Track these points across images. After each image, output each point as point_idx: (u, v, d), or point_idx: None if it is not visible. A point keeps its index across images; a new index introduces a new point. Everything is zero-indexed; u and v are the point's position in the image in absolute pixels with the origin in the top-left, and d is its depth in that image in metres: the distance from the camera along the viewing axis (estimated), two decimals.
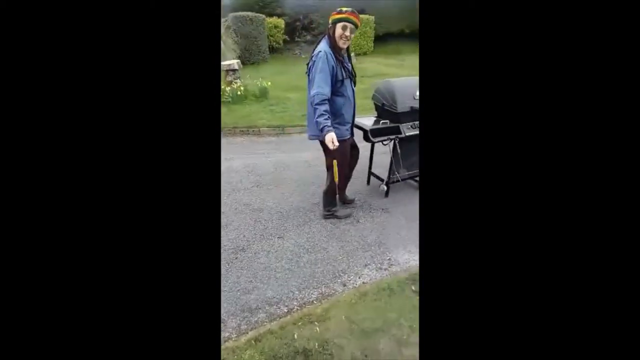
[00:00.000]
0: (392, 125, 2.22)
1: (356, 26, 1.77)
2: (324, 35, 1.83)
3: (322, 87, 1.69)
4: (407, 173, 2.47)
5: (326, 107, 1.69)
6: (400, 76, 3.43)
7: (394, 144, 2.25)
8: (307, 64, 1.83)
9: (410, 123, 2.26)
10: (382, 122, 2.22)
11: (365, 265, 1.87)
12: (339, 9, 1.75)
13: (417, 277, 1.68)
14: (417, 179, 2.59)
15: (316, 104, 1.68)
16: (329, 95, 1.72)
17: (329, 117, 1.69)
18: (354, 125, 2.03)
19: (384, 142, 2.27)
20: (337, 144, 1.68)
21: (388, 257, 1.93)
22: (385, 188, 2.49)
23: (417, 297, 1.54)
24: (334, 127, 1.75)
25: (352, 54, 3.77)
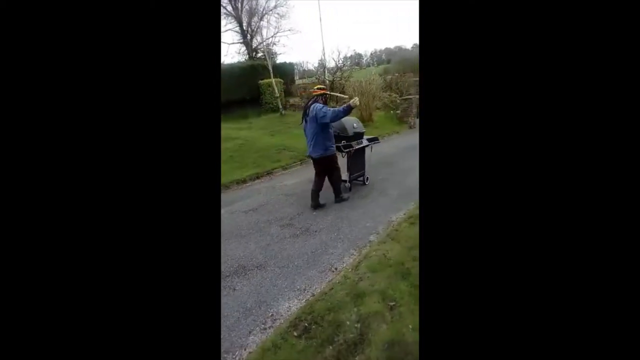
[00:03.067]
0: (347, 143, 3.73)
1: (326, 93, 3.57)
2: (312, 100, 3.35)
3: (326, 111, 3.11)
4: (356, 174, 3.98)
5: (330, 111, 3.11)
6: (253, 137, 4.37)
7: (349, 154, 3.75)
8: (303, 114, 3.40)
9: (356, 142, 3.82)
10: (342, 142, 3.69)
11: (250, 333, 1.80)
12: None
13: (297, 321, 1.75)
14: (360, 178, 4.09)
15: (328, 113, 3.09)
16: (330, 114, 3.10)
17: (327, 139, 3.29)
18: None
19: (343, 155, 3.74)
20: (357, 103, 3.17)
21: (270, 314, 1.93)
22: (349, 184, 3.93)
23: (301, 341, 1.60)
24: (329, 147, 3.31)
25: None
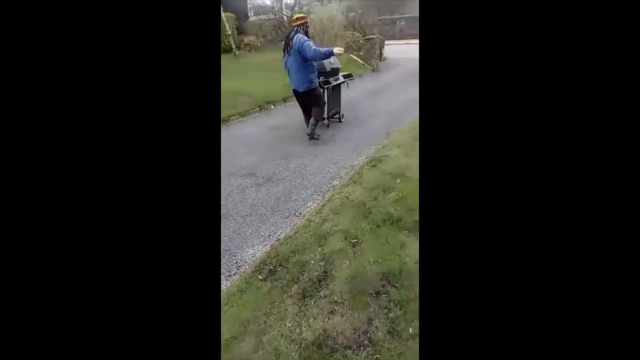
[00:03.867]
0: (325, 79, 3.72)
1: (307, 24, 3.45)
2: (293, 31, 3.25)
3: (312, 44, 3.11)
4: (332, 111, 4.03)
5: (316, 49, 3.09)
6: None
7: (326, 91, 3.72)
8: (284, 47, 3.37)
9: (333, 77, 3.85)
10: (321, 79, 3.62)
11: None
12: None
13: (262, 265, 1.76)
14: (337, 116, 4.16)
15: (317, 50, 3.09)
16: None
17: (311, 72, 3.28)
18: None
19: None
20: (341, 50, 3.24)
21: (235, 262, 1.92)
22: (327, 122, 3.98)
23: (266, 283, 1.63)
24: (314, 80, 3.34)
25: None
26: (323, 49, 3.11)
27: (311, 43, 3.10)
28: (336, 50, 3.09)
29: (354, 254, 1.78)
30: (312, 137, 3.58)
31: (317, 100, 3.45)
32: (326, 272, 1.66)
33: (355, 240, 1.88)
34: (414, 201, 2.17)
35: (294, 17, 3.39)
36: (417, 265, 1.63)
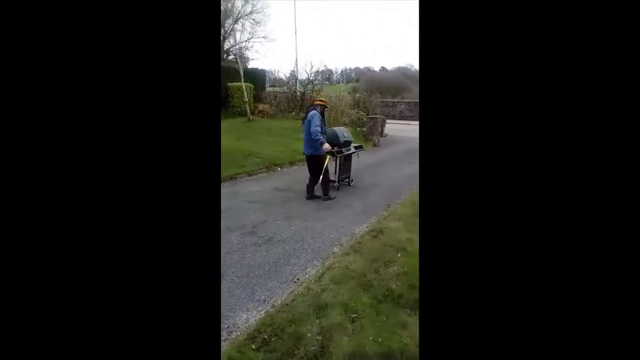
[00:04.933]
0: (339, 149, 4.27)
1: (326, 107, 4.13)
2: (313, 107, 3.88)
3: (318, 127, 3.63)
4: (343, 176, 4.58)
5: (321, 135, 3.65)
6: None
7: (339, 159, 4.36)
8: (303, 118, 3.98)
9: (345, 148, 4.41)
10: (335, 149, 4.18)
11: None
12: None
13: (256, 333, 1.67)
14: (347, 180, 4.69)
15: (317, 133, 3.62)
16: (321, 131, 3.65)
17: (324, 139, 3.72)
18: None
19: (334, 159, 4.34)
20: (330, 148, 3.85)
21: (226, 326, 1.82)
22: (338, 185, 4.48)
23: (259, 355, 1.52)
24: (319, 149, 3.75)
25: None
26: (319, 137, 3.67)
27: (318, 123, 3.69)
28: (325, 146, 3.72)
29: (352, 330, 1.70)
30: (327, 198, 4.03)
31: (318, 166, 3.88)
32: (323, 348, 1.57)
33: (355, 315, 1.81)
34: (415, 278, 2.15)
35: (318, 98, 4.35)
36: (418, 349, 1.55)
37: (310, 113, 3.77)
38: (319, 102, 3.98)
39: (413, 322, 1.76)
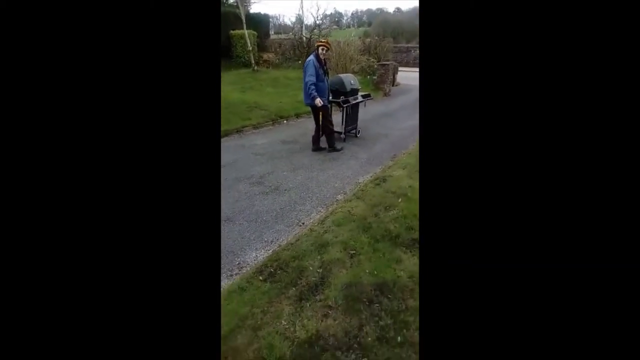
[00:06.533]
0: (345, 98, 4.16)
1: (328, 48, 3.75)
2: (312, 52, 3.74)
3: (311, 77, 3.52)
4: (350, 127, 4.45)
5: (314, 86, 3.51)
6: (223, 91, 4.60)
7: (345, 109, 4.20)
8: (304, 65, 3.70)
9: (352, 97, 4.27)
10: (341, 98, 4.14)
11: None
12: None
13: (264, 267, 1.86)
14: (353, 131, 4.53)
15: (309, 85, 3.51)
16: (315, 81, 3.54)
17: (316, 91, 3.53)
18: (329, 100, 3.94)
19: (340, 109, 4.34)
20: (322, 103, 3.59)
21: (237, 262, 2.01)
22: (344, 136, 4.34)
23: (266, 284, 1.72)
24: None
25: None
26: (311, 90, 3.50)
27: (312, 72, 3.50)
28: (316, 101, 3.54)
29: (351, 264, 1.86)
30: (332, 150, 3.95)
31: (323, 115, 3.81)
32: (323, 279, 1.74)
33: (354, 252, 1.97)
34: (414, 220, 2.26)
35: (320, 39, 3.85)
36: (411, 280, 1.71)
37: (307, 60, 3.59)
38: (318, 44, 3.70)
39: (407, 258, 1.90)
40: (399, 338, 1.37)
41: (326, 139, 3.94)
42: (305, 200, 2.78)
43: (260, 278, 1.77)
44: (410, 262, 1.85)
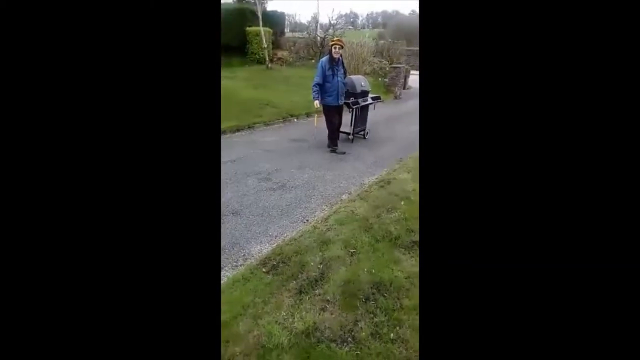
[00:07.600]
0: (355, 100, 4.20)
1: (342, 46, 3.82)
2: (327, 52, 4.14)
3: (316, 78, 3.70)
4: (358, 128, 4.48)
5: (316, 88, 3.70)
6: (236, 88, 5.48)
7: (355, 110, 4.23)
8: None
9: (362, 98, 4.31)
10: (351, 99, 4.17)
11: (221, 269, 1.98)
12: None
13: (267, 260, 1.94)
14: (362, 133, 4.58)
15: (312, 86, 3.73)
16: (320, 82, 3.68)
17: (318, 93, 3.71)
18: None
19: (349, 111, 4.29)
20: (319, 106, 3.80)
21: (242, 254, 2.10)
22: (352, 137, 4.41)
23: (268, 276, 1.80)
24: (325, 98, 3.77)
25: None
26: (312, 91, 3.72)
27: (319, 73, 3.65)
28: (315, 103, 3.74)
29: (350, 262, 1.93)
30: (332, 150, 4.01)
31: (325, 114, 3.92)
32: (323, 274, 1.82)
33: (354, 251, 2.03)
34: (414, 223, 2.31)
35: (334, 38, 4.00)
36: (407, 281, 1.77)
37: (320, 61, 3.76)
38: (332, 43, 3.79)
39: (406, 259, 1.96)
40: (391, 335, 1.44)
41: (328, 137, 4.04)
42: (311, 198, 2.85)
43: (264, 270, 1.85)
44: (408, 263, 1.91)
